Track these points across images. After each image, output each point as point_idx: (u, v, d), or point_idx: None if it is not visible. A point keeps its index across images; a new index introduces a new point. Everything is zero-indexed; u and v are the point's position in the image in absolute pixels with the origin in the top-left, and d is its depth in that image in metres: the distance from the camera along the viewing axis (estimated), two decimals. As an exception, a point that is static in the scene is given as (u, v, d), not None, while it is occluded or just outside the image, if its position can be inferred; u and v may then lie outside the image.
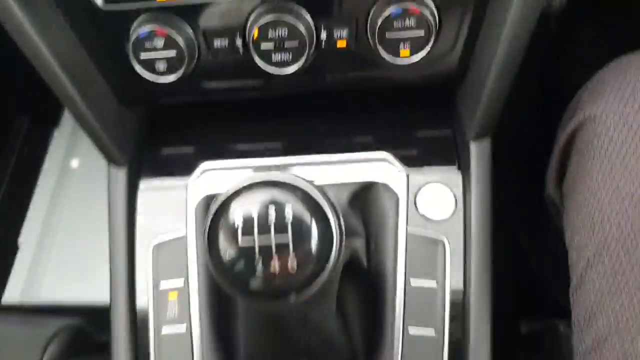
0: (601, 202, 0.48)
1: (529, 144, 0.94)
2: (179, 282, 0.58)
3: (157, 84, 0.55)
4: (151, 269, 0.59)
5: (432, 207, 0.59)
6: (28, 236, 1.42)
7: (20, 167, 1.50)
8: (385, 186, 0.60)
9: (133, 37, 0.51)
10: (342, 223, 0.34)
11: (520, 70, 0.55)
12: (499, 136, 0.63)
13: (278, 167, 0.56)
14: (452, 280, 0.57)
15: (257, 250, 0.31)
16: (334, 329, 0.52)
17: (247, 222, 0.31)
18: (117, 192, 0.62)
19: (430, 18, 0.51)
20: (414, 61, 0.54)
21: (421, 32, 0.52)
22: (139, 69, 0.54)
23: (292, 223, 0.32)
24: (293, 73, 0.54)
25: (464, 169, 0.60)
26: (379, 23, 0.51)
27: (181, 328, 0.57)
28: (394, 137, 0.64)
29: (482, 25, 0.54)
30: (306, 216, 0.32)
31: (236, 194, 0.33)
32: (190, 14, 0.51)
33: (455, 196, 0.59)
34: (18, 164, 1.49)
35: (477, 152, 0.60)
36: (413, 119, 0.67)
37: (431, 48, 0.54)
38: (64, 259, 1.39)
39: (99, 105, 0.58)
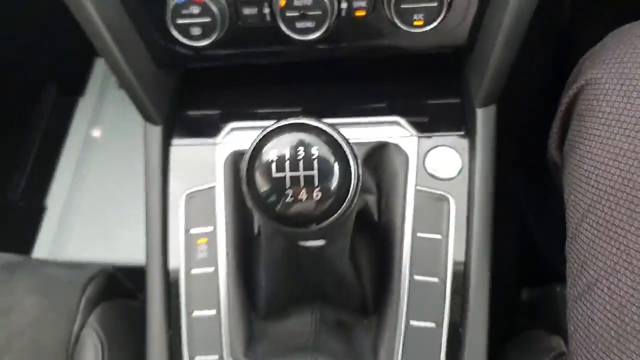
0: (597, 159, 0.51)
1: (536, 113, 0.98)
2: (208, 229, 0.65)
3: (191, 47, 0.61)
4: (183, 216, 0.66)
5: (440, 167, 0.64)
6: (54, 199, 1.50)
7: (48, 133, 1.57)
8: (397, 147, 0.65)
9: (172, 4, 0.57)
10: (360, 165, 0.40)
11: (534, 51, 0.59)
12: (506, 106, 0.67)
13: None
14: (456, 233, 0.62)
15: (287, 181, 0.37)
16: (347, 271, 0.58)
17: (280, 158, 0.37)
18: (152, 148, 0.68)
19: None
20: (426, 30, 0.58)
21: (434, 3, 0.57)
22: (175, 33, 0.59)
23: (318, 161, 0.37)
24: (315, 40, 0.59)
25: (471, 134, 0.66)
26: None
27: (209, 269, 0.64)
28: (406, 104, 0.69)
29: None
30: (330, 156, 0.38)
31: (270, 134, 0.38)
32: None
33: (461, 158, 0.64)
34: (46, 130, 1.56)
35: (483, 118, 0.65)
36: (424, 88, 0.72)
37: (443, 19, 0.58)
38: (89, 221, 1.47)
39: (138, 67, 0.63)
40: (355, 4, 0.59)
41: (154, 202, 0.66)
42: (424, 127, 0.67)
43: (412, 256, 0.62)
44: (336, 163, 0.38)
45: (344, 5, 0.59)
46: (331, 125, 0.39)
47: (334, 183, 0.38)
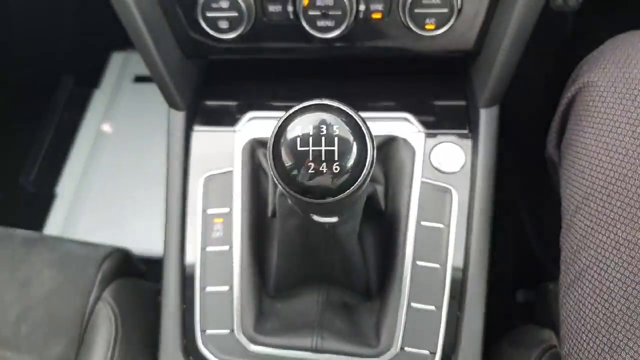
0: (591, 155, 0.55)
1: (533, 118, 1.02)
2: (224, 210, 0.69)
3: (218, 39, 0.65)
4: (201, 196, 0.70)
5: (444, 162, 0.69)
6: (65, 187, 1.54)
7: (62, 123, 1.61)
8: (405, 141, 0.69)
9: None
10: (375, 147, 0.44)
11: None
12: (509, 109, 0.71)
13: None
14: (457, 223, 0.67)
15: (310, 154, 0.41)
16: (355, 251, 0.61)
17: (305, 134, 0.41)
18: (175, 132, 0.72)
19: None
20: (437, 33, 0.63)
21: (445, 9, 0.62)
22: (204, 25, 0.64)
23: (338, 138, 0.41)
24: (333, 38, 0.64)
25: (474, 132, 0.70)
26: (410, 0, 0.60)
27: (224, 247, 0.68)
28: (415, 103, 0.74)
29: (496, 8, 0.64)
30: (350, 135, 0.42)
31: (296, 113, 0.42)
32: None
33: (464, 153, 0.69)
34: (60, 119, 1.61)
35: (486, 118, 0.69)
36: (433, 89, 0.76)
37: (453, 24, 0.63)
38: (98, 210, 1.50)
39: (167, 56, 0.68)
40: (373, 7, 0.63)
41: (175, 183, 0.70)
42: (431, 125, 0.71)
43: (416, 243, 0.66)
44: (355, 142, 0.42)
45: (362, 7, 0.63)
46: (352, 108, 0.43)
47: (352, 159, 0.42)
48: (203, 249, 0.69)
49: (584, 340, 0.52)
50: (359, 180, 0.42)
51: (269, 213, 0.69)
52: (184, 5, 0.64)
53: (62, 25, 1.55)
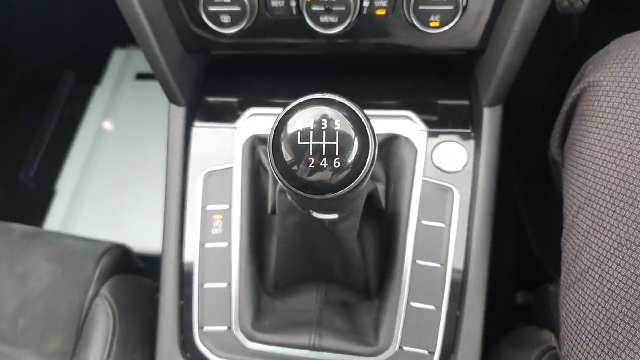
0: (595, 156, 0.54)
1: (534, 121, 1.02)
2: (224, 206, 0.68)
3: (219, 34, 0.65)
4: (200, 192, 0.69)
5: (446, 161, 0.68)
6: (64, 183, 1.53)
7: (63, 119, 1.61)
8: (407, 139, 0.69)
9: None
10: (377, 143, 0.43)
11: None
12: (513, 111, 0.71)
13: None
14: (458, 223, 0.66)
15: (311, 149, 0.40)
16: (355, 249, 0.61)
17: (305, 128, 0.40)
18: (175, 127, 0.72)
19: None
20: (441, 31, 0.62)
21: (450, 7, 0.61)
22: (206, 19, 0.63)
23: (339, 133, 0.41)
24: (337, 34, 0.63)
25: (477, 132, 0.69)
26: None
27: (223, 244, 0.67)
28: (418, 102, 0.73)
29: (502, 7, 0.63)
30: (351, 130, 0.41)
31: (297, 107, 0.42)
32: None
33: (467, 153, 0.68)
34: (61, 115, 1.60)
35: (489, 117, 0.69)
36: (436, 88, 0.76)
37: (458, 22, 0.62)
38: (97, 207, 1.50)
39: (168, 49, 0.67)
40: (377, 3, 0.63)
41: (174, 179, 0.70)
42: (434, 124, 0.70)
43: (416, 242, 0.66)
44: (356, 137, 0.41)
45: (366, 3, 0.63)
46: (354, 102, 0.42)
47: (353, 155, 0.41)
48: (202, 245, 0.68)
49: (584, 341, 0.52)
50: (359, 176, 0.42)
51: (269, 210, 0.69)
52: None
53: (64, 21, 1.55)
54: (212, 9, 0.62)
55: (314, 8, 0.61)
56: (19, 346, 0.75)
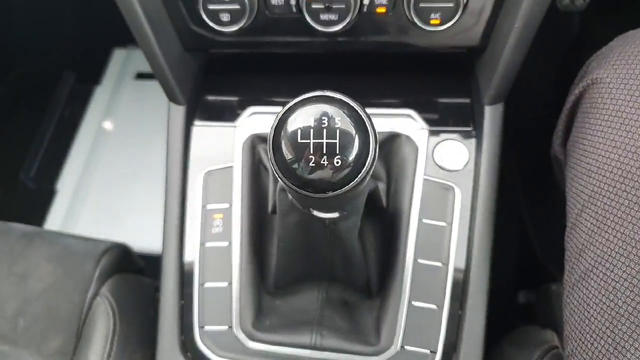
0: (598, 153, 0.54)
1: (539, 116, 1.01)
2: (224, 205, 0.68)
3: (219, 33, 0.64)
4: (201, 192, 0.69)
5: (447, 159, 0.68)
6: (65, 183, 1.53)
7: (63, 119, 1.61)
8: (408, 138, 0.69)
9: None
10: (378, 141, 0.43)
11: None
12: (514, 110, 0.71)
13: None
14: (460, 221, 0.66)
15: (311, 147, 0.40)
16: (356, 248, 0.61)
17: (306, 126, 0.40)
18: (175, 127, 0.72)
19: None
20: (442, 29, 0.62)
21: (451, 4, 0.61)
22: (205, 18, 0.63)
23: (340, 131, 0.40)
24: (337, 32, 0.63)
25: (478, 130, 0.69)
26: None
27: (223, 243, 0.67)
28: (419, 100, 0.73)
29: (503, 4, 0.63)
30: (352, 128, 0.41)
31: (297, 105, 0.41)
32: None
33: (468, 151, 0.68)
34: (61, 115, 1.60)
35: (491, 115, 0.68)
36: (437, 86, 0.75)
37: (458, 19, 0.62)
38: (97, 206, 1.50)
39: (167, 48, 0.67)
40: (377, 1, 0.63)
41: (174, 178, 0.70)
42: (435, 122, 0.70)
43: (417, 241, 0.65)
44: (357, 135, 0.41)
45: (366, 1, 0.62)
46: (355, 100, 0.42)
47: (354, 153, 0.40)
48: (202, 244, 0.68)
49: (588, 341, 0.51)
50: (360, 175, 0.41)
51: (269, 209, 0.69)
52: None
53: (64, 21, 1.54)
54: (211, 7, 0.62)
55: (314, 6, 0.61)
56: (20, 346, 0.75)
